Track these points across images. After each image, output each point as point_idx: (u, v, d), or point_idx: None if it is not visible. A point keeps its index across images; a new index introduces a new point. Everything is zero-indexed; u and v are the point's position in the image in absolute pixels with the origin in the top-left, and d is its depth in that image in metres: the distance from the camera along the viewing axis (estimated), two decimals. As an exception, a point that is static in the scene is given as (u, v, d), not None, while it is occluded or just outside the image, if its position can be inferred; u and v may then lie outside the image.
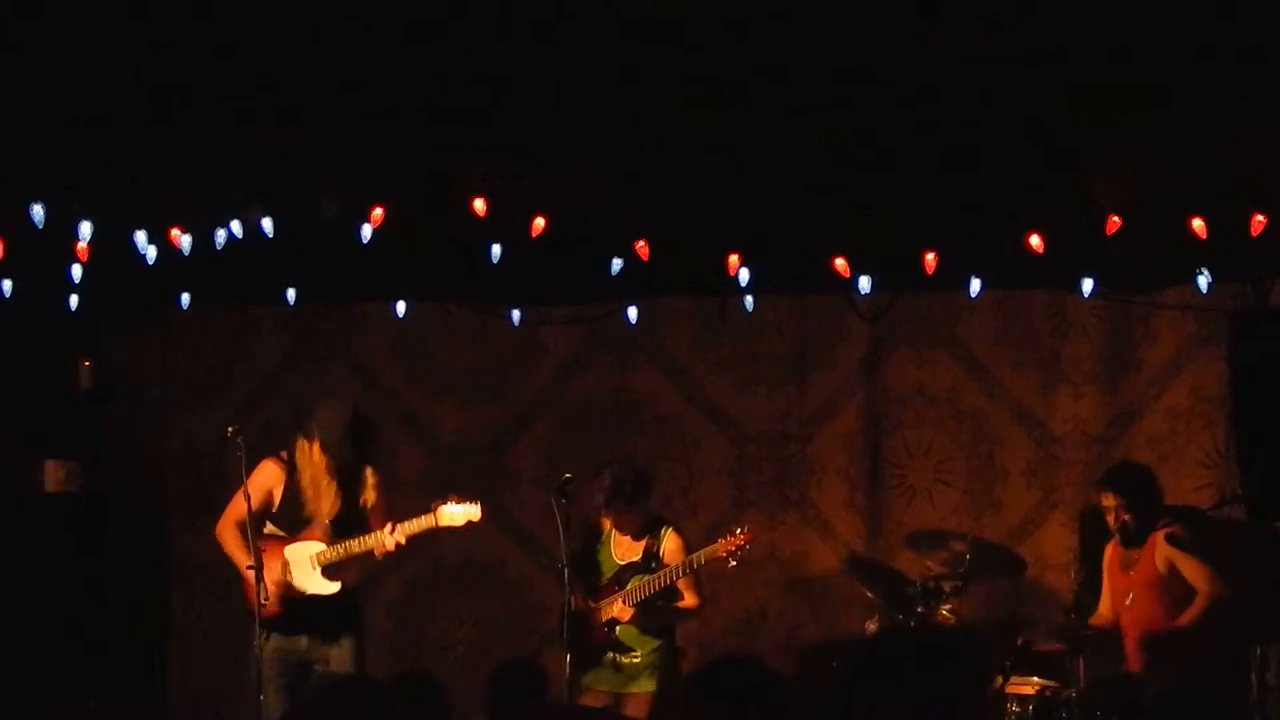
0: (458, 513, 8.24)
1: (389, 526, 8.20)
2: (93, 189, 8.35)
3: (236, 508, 8.26)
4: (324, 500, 8.33)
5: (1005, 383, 10.16)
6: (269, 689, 8.15)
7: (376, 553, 8.27)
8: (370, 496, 8.39)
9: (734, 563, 8.61)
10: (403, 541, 8.21)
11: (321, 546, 8.30)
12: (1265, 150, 7.80)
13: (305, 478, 8.33)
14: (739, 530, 8.56)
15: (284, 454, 8.38)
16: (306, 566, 8.29)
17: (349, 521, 8.34)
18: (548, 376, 10.52)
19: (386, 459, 8.96)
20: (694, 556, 8.55)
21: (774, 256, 9.00)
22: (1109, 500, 8.68)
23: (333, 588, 8.32)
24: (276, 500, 8.39)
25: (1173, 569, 8.51)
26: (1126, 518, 8.60)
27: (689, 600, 8.73)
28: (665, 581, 8.61)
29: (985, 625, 9.26)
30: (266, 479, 8.36)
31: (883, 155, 8.13)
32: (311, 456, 8.31)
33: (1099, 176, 8.09)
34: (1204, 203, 8.30)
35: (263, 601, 8.08)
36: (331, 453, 8.29)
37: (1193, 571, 8.48)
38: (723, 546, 8.50)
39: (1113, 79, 7.42)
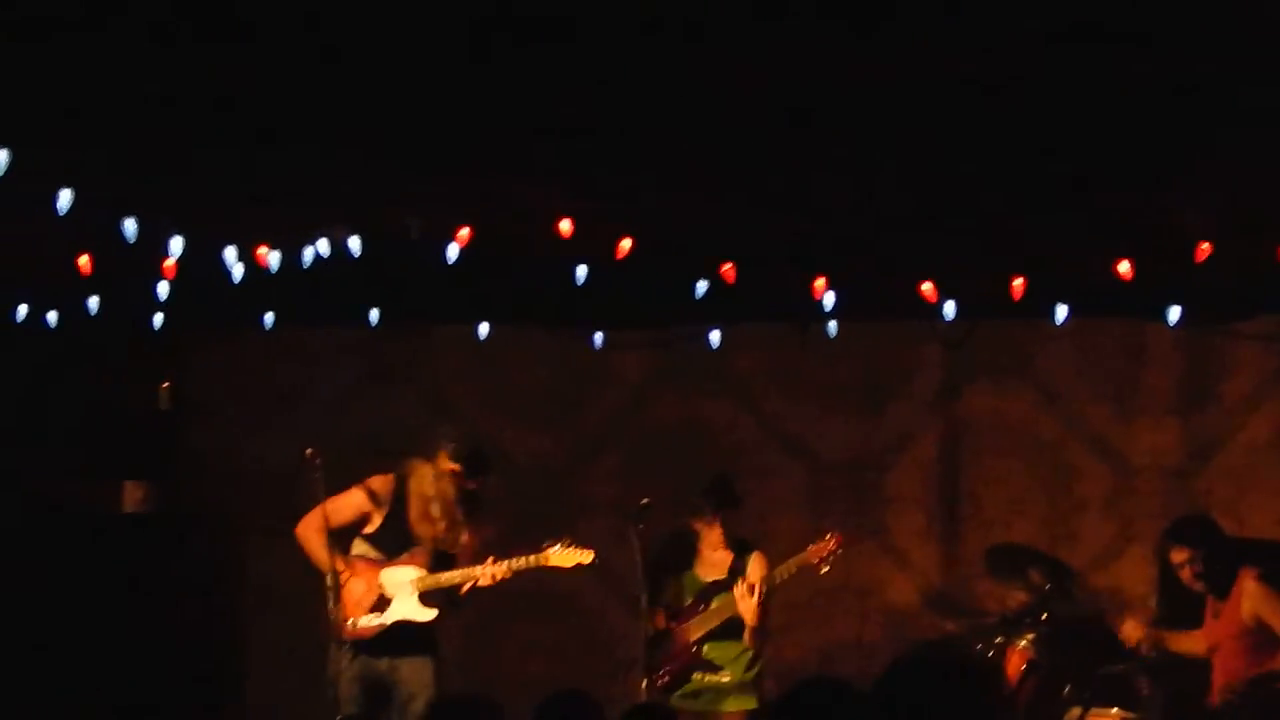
0: (568, 555, 8.20)
1: (491, 559, 8.15)
2: (180, 206, 8.37)
3: (319, 516, 8.14)
4: (434, 527, 8.27)
5: (1083, 413, 10.11)
6: (346, 710, 8.11)
7: (465, 586, 8.20)
8: (471, 530, 8.35)
9: (826, 569, 8.50)
10: (507, 576, 8.16)
11: (420, 572, 8.23)
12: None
13: (418, 502, 8.27)
14: (828, 536, 8.51)
15: (391, 476, 8.32)
16: (405, 591, 8.22)
17: (448, 552, 8.31)
18: (623, 402, 10.51)
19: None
20: (784, 566, 8.46)
21: (859, 281, 8.96)
22: (1179, 555, 8.43)
23: (430, 614, 8.25)
24: (376, 522, 8.33)
25: (1259, 622, 8.22)
26: (1200, 569, 8.43)
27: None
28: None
29: (1064, 656, 9.16)
30: (363, 501, 8.29)
31: (969, 179, 8.10)
32: (430, 481, 8.26)
33: (1188, 202, 8.05)
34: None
35: (352, 626, 8.09)
36: (452, 481, 8.25)
37: None
38: (813, 553, 8.43)
39: (1202, 101, 7.38)
